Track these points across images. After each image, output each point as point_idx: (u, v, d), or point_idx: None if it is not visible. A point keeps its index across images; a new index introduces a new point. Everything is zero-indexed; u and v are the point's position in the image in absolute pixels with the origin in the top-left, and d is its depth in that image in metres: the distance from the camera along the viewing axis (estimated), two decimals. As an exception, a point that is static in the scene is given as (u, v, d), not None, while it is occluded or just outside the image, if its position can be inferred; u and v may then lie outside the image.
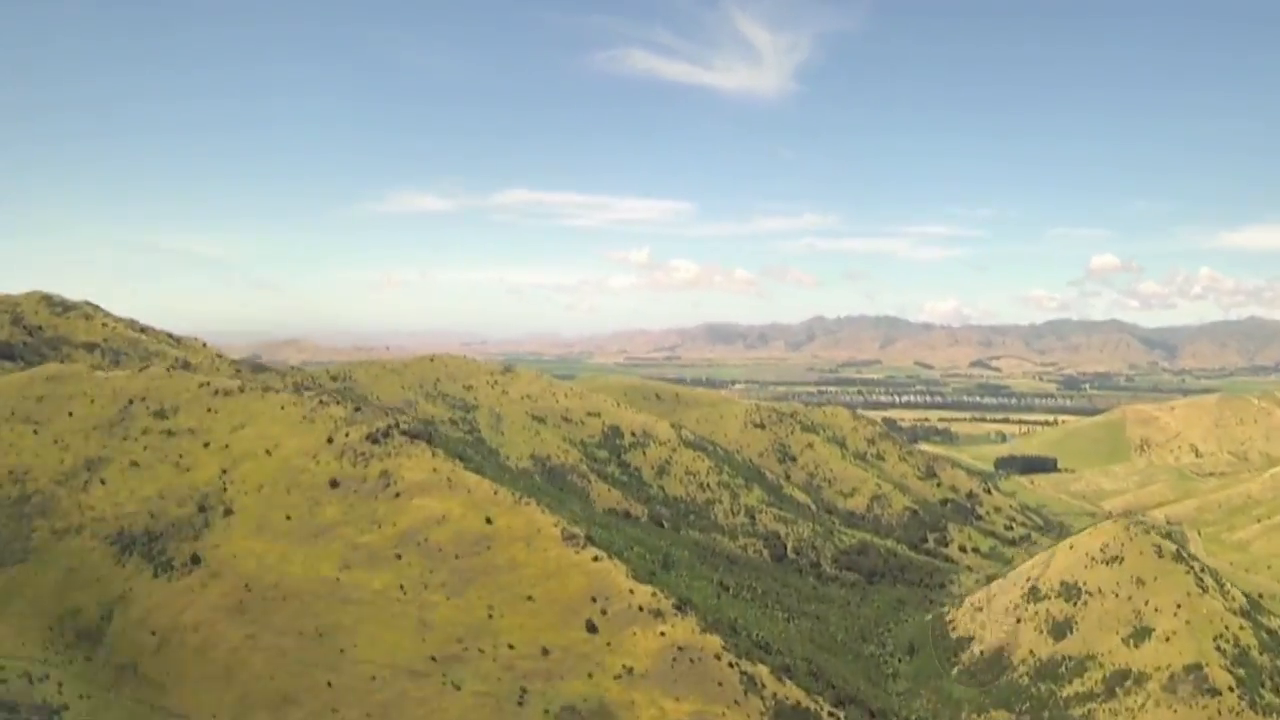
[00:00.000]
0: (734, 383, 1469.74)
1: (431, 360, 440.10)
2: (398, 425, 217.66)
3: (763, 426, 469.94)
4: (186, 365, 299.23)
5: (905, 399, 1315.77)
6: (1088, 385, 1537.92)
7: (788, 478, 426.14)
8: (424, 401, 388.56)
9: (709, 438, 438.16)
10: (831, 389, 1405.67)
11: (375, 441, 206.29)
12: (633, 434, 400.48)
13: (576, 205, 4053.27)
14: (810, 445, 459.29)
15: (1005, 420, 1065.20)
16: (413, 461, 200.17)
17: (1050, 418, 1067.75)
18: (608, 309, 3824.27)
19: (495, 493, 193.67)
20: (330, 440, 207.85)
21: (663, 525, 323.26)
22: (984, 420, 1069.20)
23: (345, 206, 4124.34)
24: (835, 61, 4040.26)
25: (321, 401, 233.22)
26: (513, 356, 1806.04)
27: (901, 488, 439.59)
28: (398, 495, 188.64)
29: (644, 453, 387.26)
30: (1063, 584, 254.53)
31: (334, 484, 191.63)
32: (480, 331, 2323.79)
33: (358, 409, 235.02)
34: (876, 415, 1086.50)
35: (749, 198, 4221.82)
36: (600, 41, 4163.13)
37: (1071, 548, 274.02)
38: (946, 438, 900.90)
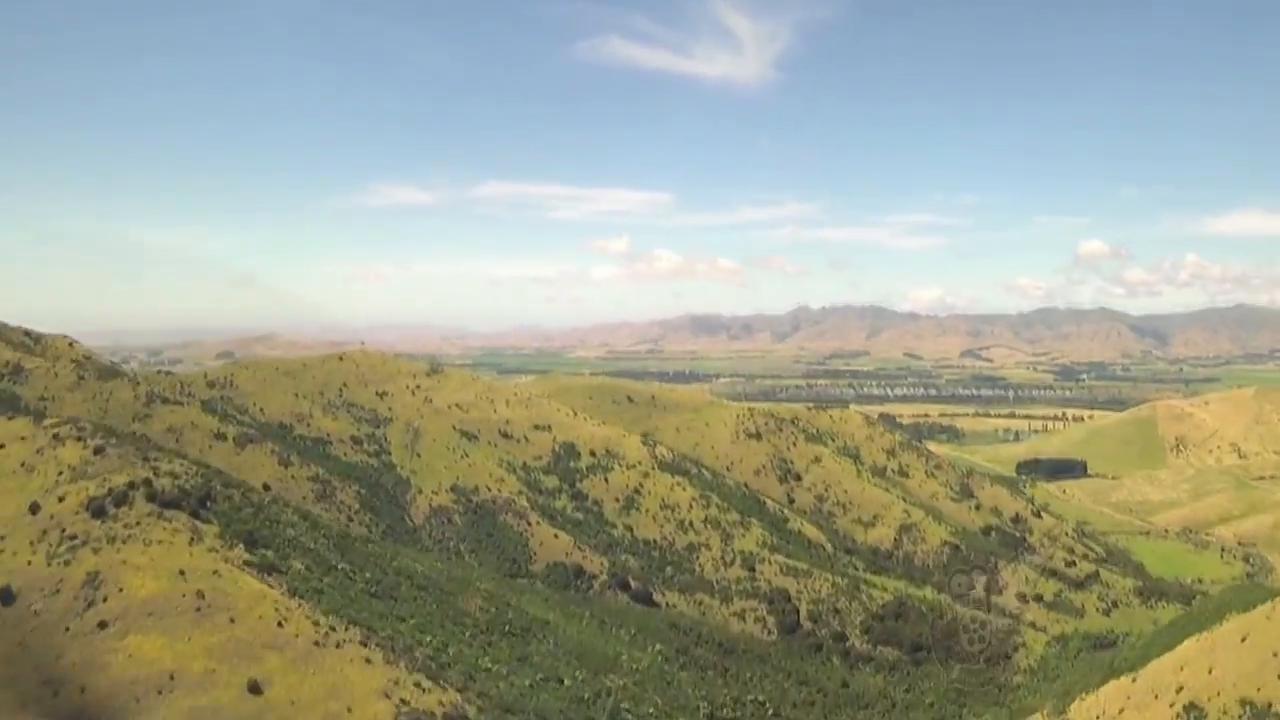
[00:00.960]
0: (718, 376, 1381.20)
1: (340, 359, 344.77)
2: (149, 483, 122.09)
3: (758, 437, 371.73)
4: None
5: (899, 392, 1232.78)
6: (1085, 375, 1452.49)
7: (791, 502, 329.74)
8: (321, 414, 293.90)
9: (692, 454, 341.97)
10: (821, 382, 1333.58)
11: (100, 514, 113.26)
12: (592, 453, 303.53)
13: (558, 197, 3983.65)
14: (818, 459, 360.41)
15: (1011, 415, 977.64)
16: (150, 556, 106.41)
17: (1056, 411, 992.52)
18: (590, 301, 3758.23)
19: (282, 623, 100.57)
20: (34, 509, 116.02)
21: (629, 589, 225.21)
22: (988, 415, 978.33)
23: (325, 200, 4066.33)
24: (816, 49, 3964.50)
25: (56, 436, 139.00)
26: (492, 351, 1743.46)
27: (934, 513, 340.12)
28: (102, 626, 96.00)
29: (606, 479, 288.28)
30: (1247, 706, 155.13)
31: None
32: (462, 325, 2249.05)
33: (100, 450, 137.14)
34: (871, 410, 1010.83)
35: (730, 187, 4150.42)
36: (580, 30, 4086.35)
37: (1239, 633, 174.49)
38: (952, 435, 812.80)
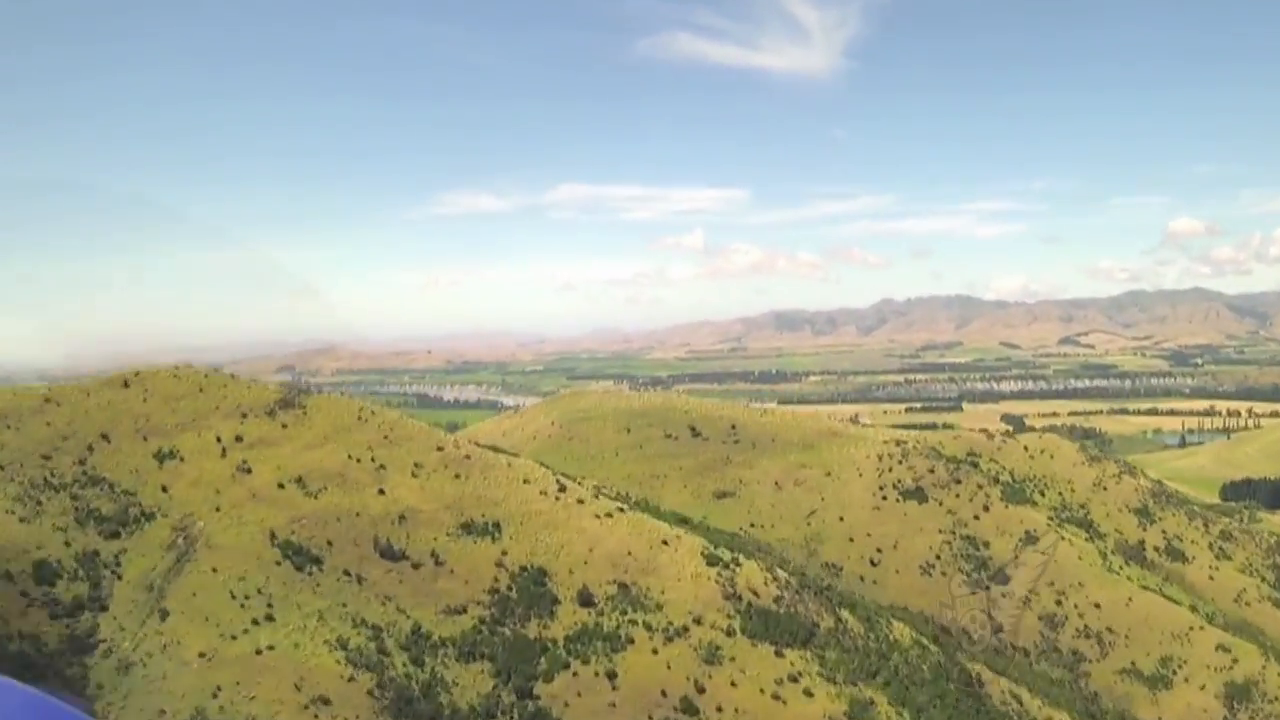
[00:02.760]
0: (807, 374, 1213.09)
1: (125, 385, 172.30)
2: None
3: (920, 494, 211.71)
4: None
5: (1008, 387, 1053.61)
6: (1199, 360, 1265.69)
7: (998, 631, 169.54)
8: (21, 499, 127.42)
9: (812, 541, 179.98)
10: (919, 376, 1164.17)
11: None
12: (588, 599, 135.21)
13: (631, 198, 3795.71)
14: (1028, 536, 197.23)
15: (1154, 411, 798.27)
16: None
17: (1200, 404, 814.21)
18: (670, 301, 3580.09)
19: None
20: None
21: None
22: (1124, 412, 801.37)
23: (397, 211, 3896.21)
24: (884, 35, 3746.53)
25: None
26: (566, 355, 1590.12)
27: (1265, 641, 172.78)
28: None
29: (615, 669, 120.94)
30: None
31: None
32: (539, 330, 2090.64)
33: None
34: (988, 411, 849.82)
35: (803, 182, 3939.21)
36: (644, 27, 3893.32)
37: None
38: (1098, 442, 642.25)
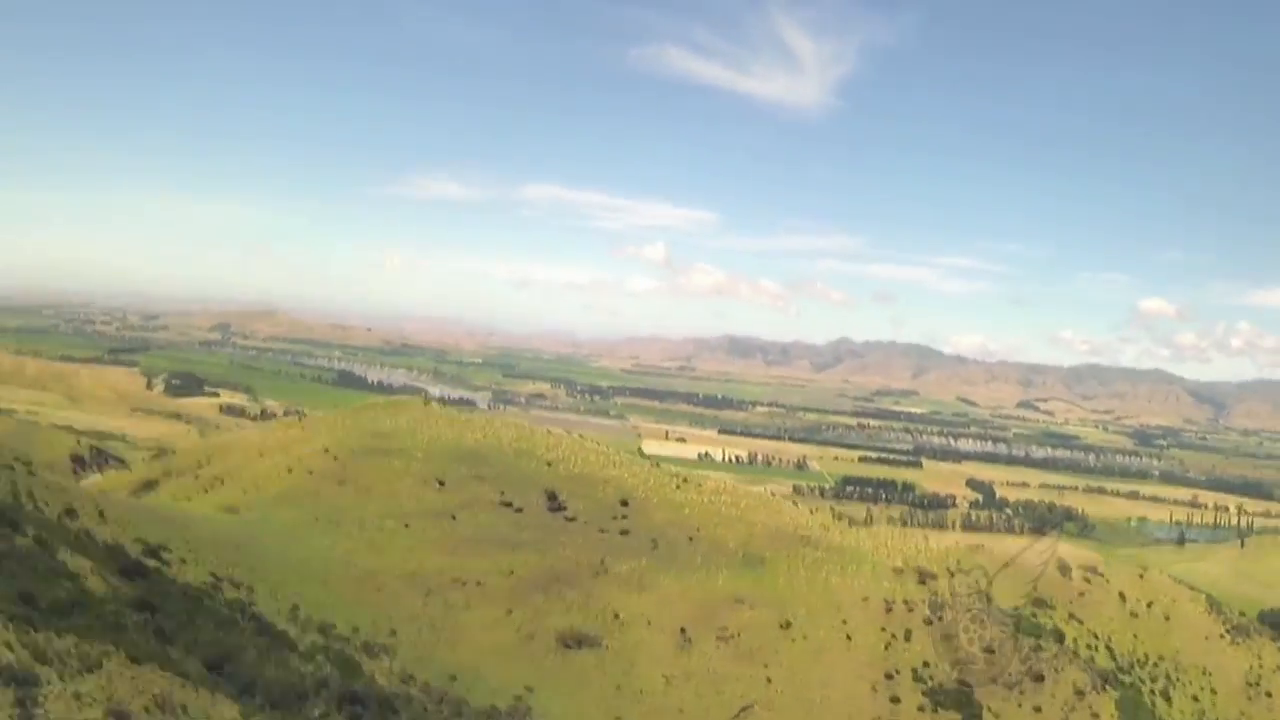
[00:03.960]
0: (755, 403, 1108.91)
1: None
2: None
3: (967, 702, 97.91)
4: None
5: (966, 447, 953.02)
6: (1162, 442, 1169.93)
7: None
8: None
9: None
10: (873, 423, 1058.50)
11: None
12: None
13: (600, 206, 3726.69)
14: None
15: (1135, 496, 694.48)
16: None
17: (1184, 493, 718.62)
18: (626, 312, 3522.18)
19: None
20: None
21: None
22: (1102, 492, 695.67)
23: (365, 187, 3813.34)
24: (877, 77, 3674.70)
25: None
26: (510, 351, 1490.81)
27: None
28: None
29: None
30: None
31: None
32: (491, 323, 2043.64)
33: None
34: (953, 471, 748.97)
35: (774, 212, 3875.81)
36: (637, 36, 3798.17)
37: None
38: (1080, 525, 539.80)
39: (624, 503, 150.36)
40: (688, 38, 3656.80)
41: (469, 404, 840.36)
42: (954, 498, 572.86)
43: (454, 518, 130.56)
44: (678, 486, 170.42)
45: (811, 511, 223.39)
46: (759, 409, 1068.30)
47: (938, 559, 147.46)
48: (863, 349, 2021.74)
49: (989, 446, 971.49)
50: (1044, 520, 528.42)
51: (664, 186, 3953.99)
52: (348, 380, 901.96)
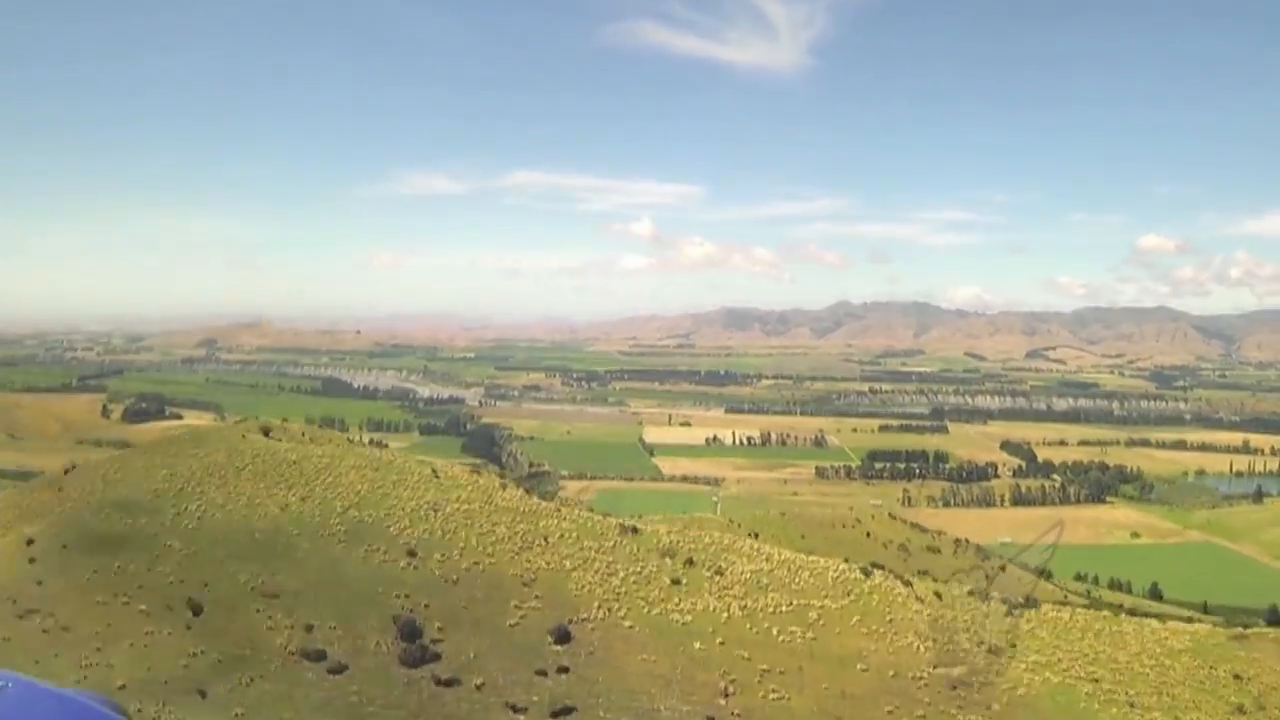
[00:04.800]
0: (759, 376, 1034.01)
1: None
2: None
3: None
4: None
5: (986, 403, 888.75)
6: (1183, 383, 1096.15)
7: None
8: None
9: None
10: (885, 387, 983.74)
11: None
12: None
13: (587, 188, 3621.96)
14: None
15: (1181, 445, 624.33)
16: None
17: (1231, 437, 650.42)
18: (621, 293, 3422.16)
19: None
20: None
21: None
22: (1148, 444, 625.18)
23: (348, 188, 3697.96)
24: (851, 36, 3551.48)
25: None
26: (505, 343, 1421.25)
27: None
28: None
29: None
30: None
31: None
32: (486, 316, 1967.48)
33: None
34: (982, 433, 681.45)
35: (761, 181, 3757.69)
36: (610, 13, 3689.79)
37: None
38: (1137, 485, 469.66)
39: (562, 636, 76.72)
40: (659, 10, 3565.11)
41: (458, 401, 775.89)
42: (994, 466, 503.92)
43: (203, 695, 59.49)
44: (676, 580, 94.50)
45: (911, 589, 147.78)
46: (764, 382, 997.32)
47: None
48: (862, 310, 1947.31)
49: (1008, 401, 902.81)
50: (1100, 485, 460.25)
51: (649, 163, 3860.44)
52: (332, 387, 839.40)
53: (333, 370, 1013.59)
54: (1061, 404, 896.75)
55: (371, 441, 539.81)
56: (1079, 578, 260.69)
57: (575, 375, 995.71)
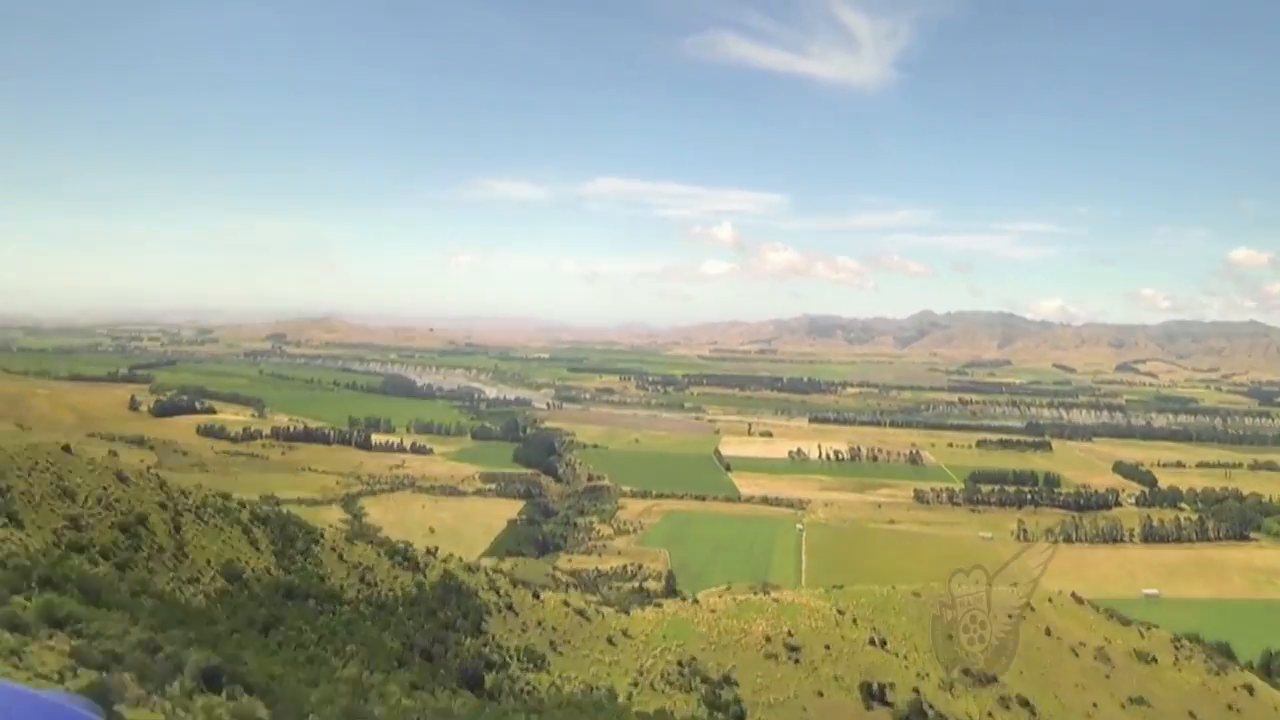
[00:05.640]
0: (844, 384, 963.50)
1: None
2: None
3: None
4: None
5: (1079, 417, 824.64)
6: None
7: None
8: None
9: None
10: (974, 398, 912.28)
11: None
12: None
13: (669, 195, 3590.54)
14: None
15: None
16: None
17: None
18: (701, 298, 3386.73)
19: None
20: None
21: None
22: (1274, 468, 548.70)
23: (434, 193, 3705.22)
24: (935, 49, 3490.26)
25: None
26: (581, 346, 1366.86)
27: None
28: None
29: None
30: None
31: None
32: (564, 320, 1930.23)
33: None
34: (1085, 451, 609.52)
35: (844, 191, 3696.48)
36: (692, 25, 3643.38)
37: None
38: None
39: None
40: (742, 23, 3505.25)
41: (524, 403, 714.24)
42: (1115, 493, 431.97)
43: None
44: None
45: None
46: (848, 390, 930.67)
47: None
48: (945, 321, 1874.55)
49: (1104, 416, 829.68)
50: (1241, 518, 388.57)
51: (731, 172, 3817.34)
52: (393, 385, 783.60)
53: (400, 368, 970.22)
54: (1160, 420, 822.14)
55: (414, 446, 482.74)
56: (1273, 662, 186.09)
57: (651, 379, 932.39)
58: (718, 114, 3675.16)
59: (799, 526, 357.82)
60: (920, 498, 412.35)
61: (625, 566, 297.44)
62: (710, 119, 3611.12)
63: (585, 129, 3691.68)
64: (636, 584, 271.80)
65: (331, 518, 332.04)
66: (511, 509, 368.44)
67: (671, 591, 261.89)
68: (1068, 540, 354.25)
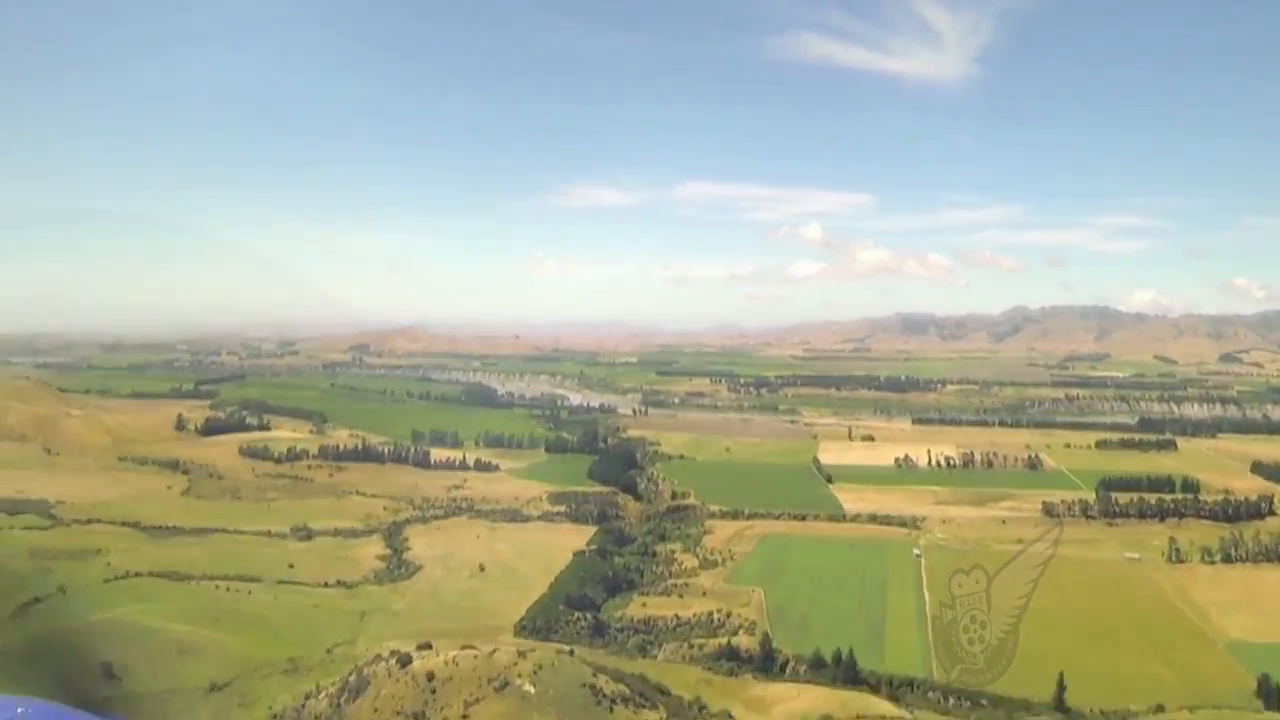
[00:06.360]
0: (943, 382, 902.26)
1: None
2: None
3: None
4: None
5: (1191, 410, 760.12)
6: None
7: None
8: None
9: None
10: (1079, 392, 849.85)
11: None
12: None
13: (755, 198, 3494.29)
14: None
15: None
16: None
17: None
18: (792, 299, 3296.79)
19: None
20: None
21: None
22: None
23: (521, 201, 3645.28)
24: (1018, 43, 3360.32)
25: None
26: (670, 349, 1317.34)
27: None
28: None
29: None
30: None
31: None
32: (651, 323, 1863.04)
33: None
34: (1212, 450, 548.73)
35: (931, 189, 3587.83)
36: (771, 26, 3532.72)
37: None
38: None
39: None
40: (823, 23, 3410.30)
41: (609, 410, 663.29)
42: (1269, 499, 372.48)
43: None
44: None
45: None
46: (948, 388, 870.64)
47: None
48: (1039, 316, 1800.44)
49: (1218, 410, 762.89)
50: None
51: (816, 173, 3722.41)
52: (474, 395, 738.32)
53: (483, 376, 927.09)
54: (1278, 413, 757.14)
55: (477, 463, 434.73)
56: None
57: (743, 382, 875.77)
58: (801, 115, 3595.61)
59: (916, 552, 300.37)
60: (1049, 511, 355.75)
61: (711, 614, 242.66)
62: (794, 120, 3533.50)
63: (669, 133, 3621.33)
64: (724, 639, 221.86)
65: (369, 553, 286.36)
66: (580, 536, 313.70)
67: (767, 656, 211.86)
68: (1227, 560, 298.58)
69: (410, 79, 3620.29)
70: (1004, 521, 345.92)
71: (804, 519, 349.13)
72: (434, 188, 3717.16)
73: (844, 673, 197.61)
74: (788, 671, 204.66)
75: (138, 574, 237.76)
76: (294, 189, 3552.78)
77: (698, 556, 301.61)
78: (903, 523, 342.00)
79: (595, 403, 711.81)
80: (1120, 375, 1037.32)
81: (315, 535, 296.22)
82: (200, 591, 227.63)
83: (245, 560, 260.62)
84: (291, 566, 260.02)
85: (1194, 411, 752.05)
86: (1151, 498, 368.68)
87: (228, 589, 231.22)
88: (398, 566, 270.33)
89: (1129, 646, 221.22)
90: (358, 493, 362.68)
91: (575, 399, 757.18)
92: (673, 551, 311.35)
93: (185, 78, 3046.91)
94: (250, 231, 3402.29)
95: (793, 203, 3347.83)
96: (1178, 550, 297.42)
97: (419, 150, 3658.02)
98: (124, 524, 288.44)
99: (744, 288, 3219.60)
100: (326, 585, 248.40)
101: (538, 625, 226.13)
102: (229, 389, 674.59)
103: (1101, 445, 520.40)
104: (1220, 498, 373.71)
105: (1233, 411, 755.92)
